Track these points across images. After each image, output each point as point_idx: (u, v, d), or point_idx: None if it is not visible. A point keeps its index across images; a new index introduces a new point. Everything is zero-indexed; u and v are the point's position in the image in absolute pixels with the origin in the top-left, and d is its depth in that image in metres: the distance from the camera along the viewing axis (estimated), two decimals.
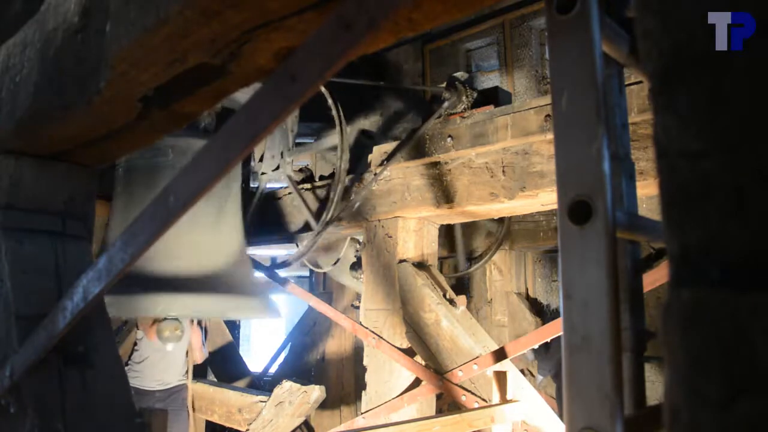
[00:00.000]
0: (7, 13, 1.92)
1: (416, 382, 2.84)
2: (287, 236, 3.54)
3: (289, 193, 3.55)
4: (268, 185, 3.72)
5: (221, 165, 0.92)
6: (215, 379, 4.35)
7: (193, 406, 3.65)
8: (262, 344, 10.95)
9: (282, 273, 3.62)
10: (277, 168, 3.58)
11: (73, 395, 1.38)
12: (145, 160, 2.75)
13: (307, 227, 3.38)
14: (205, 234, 2.76)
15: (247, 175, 3.71)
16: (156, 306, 2.55)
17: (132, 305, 2.47)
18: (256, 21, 0.99)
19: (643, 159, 2.14)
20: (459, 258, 4.29)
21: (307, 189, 3.46)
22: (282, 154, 3.56)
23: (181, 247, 2.62)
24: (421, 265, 2.94)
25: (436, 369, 2.69)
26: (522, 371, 3.57)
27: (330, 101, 3.18)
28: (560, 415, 2.32)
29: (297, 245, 3.47)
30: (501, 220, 4.13)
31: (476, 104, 2.81)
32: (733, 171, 0.48)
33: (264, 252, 4.28)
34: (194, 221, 2.67)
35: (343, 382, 4.37)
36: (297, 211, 3.48)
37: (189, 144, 2.74)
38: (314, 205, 3.38)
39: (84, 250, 1.64)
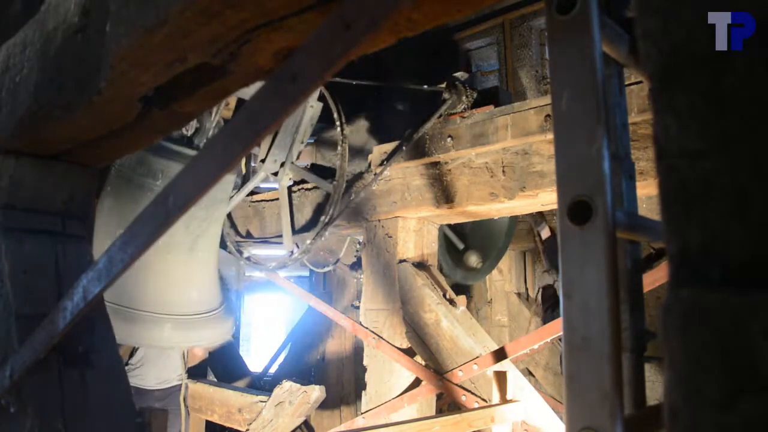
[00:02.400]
0: (7, 13, 1.92)
1: (416, 382, 2.84)
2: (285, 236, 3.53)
3: (292, 193, 3.55)
4: (264, 185, 3.71)
5: (221, 165, 0.92)
6: (215, 379, 4.35)
7: (185, 405, 3.62)
8: (262, 344, 10.95)
9: (282, 273, 3.62)
10: (276, 174, 3.55)
11: (73, 395, 1.38)
12: (137, 175, 2.71)
13: (307, 227, 3.37)
14: (179, 263, 2.74)
15: (247, 175, 3.71)
16: (129, 336, 2.56)
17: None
18: (256, 21, 0.99)
19: (643, 159, 2.14)
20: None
21: (307, 189, 3.46)
22: (283, 164, 3.52)
23: (154, 276, 2.63)
24: (421, 265, 2.94)
25: (436, 369, 2.69)
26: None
27: (330, 101, 3.18)
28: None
29: (297, 245, 3.47)
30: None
31: (476, 104, 2.81)
32: (733, 171, 0.48)
33: (263, 252, 4.28)
34: (169, 248, 2.67)
35: (343, 382, 4.37)
36: (297, 211, 3.48)
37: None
38: (314, 205, 3.38)
39: (84, 250, 1.64)
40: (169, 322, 2.64)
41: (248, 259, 3.62)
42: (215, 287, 2.99)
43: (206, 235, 2.83)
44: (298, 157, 3.49)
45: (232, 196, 3.42)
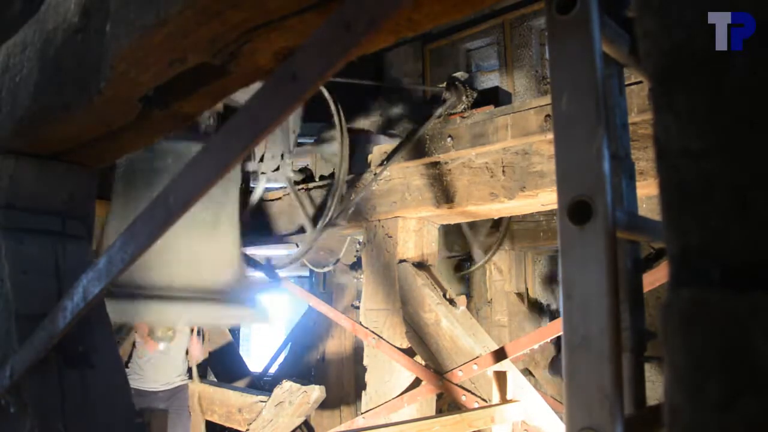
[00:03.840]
0: (7, 13, 1.92)
1: (416, 382, 2.84)
2: (287, 236, 3.54)
3: (289, 194, 3.54)
4: (269, 185, 3.72)
5: (221, 165, 0.92)
6: (215, 379, 4.35)
7: (200, 407, 3.65)
8: (262, 344, 10.95)
9: (282, 273, 3.62)
10: (277, 169, 3.58)
11: (73, 395, 1.38)
12: (144, 163, 2.76)
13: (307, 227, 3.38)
14: (200, 242, 2.78)
15: (247, 175, 3.71)
16: (148, 313, 2.59)
17: (125, 310, 2.49)
18: (256, 21, 0.99)
19: (643, 159, 2.13)
20: (473, 253, 4.33)
21: (307, 189, 3.46)
22: (282, 155, 3.56)
23: (175, 255, 2.65)
24: (421, 265, 2.94)
25: (436, 369, 2.69)
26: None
27: (330, 101, 3.18)
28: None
29: (297, 245, 3.47)
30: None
31: (476, 104, 2.81)
32: (733, 171, 0.48)
33: (264, 252, 4.29)
34: (191, 228, 2.70)
35: (343, 382, 4.37)
36: (297, 211, 3.48)
37: (189, 148, 2.75)
38: (314, 204, 3.38)
39: (84, 250, 1.64)
40: (192, 301, 2.67)
41: (248, 258, 3.62)
42: (239, 269, 3.03)
43: (225, 212, 2.88)
44: (294, 146, 3.52)
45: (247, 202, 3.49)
